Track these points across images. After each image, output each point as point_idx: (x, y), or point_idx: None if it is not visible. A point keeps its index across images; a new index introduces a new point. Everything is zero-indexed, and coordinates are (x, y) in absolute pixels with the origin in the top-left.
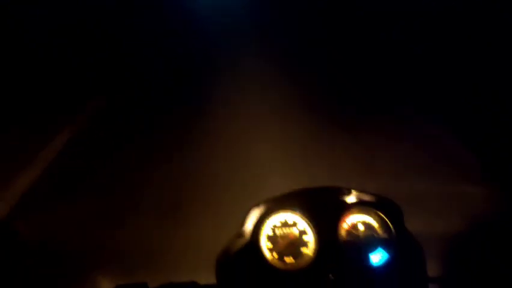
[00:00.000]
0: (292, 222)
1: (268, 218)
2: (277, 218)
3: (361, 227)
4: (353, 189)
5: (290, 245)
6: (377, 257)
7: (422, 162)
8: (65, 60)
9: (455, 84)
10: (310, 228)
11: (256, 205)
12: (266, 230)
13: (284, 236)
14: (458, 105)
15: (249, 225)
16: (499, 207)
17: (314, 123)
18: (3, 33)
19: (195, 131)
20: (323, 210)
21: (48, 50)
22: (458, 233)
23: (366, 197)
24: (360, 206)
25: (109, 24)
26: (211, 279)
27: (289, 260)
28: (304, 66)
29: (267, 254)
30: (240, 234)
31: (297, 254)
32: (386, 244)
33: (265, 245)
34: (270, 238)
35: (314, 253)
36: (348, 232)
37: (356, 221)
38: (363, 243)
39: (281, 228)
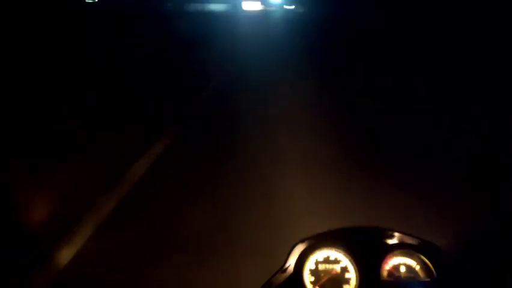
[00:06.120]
0: (335, 259)
1: (312, 254)
2: (320, 254)
3: (403, 269)
4: (396, 231)
5: (332, 281)
6: None
7: None
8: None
9: None
10: (353, 266)
11: (301, 241)
12: (309, 265)
13: (326, 272)
14: None
15: (292, 260)
16: None
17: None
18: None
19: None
20: (366, 250)
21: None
22: None
23: (409, 240)
24: (403, 248)
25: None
26: None
27: None
28: None
29: (309, 287)
30: (284, 268)
31: None
32: (426, 287)
33: (307, 278)
34: (312, 272)
35: None
36: (390, 273)
37: (398, 262)
38: (403, 284)
39: (324, 263)
